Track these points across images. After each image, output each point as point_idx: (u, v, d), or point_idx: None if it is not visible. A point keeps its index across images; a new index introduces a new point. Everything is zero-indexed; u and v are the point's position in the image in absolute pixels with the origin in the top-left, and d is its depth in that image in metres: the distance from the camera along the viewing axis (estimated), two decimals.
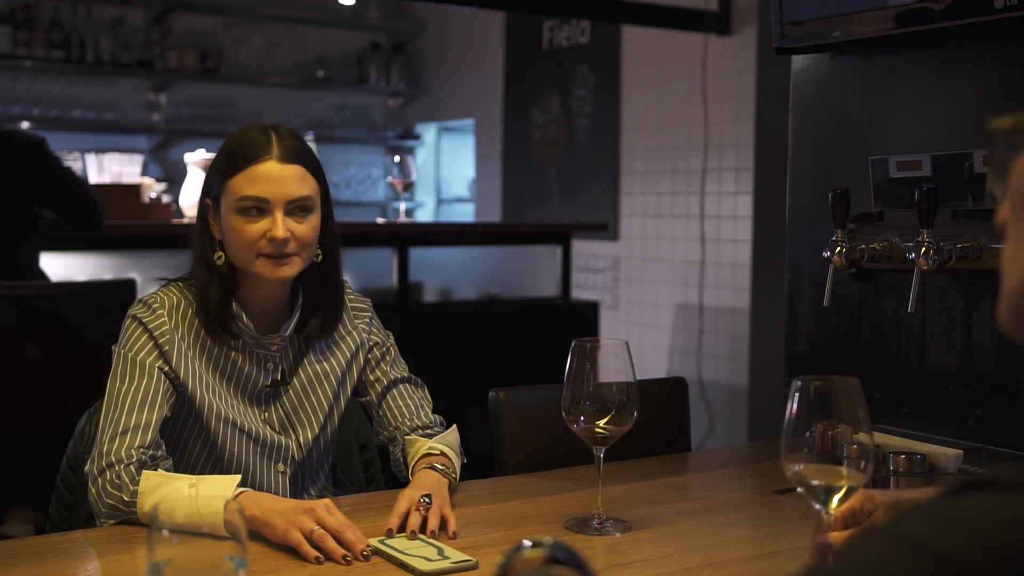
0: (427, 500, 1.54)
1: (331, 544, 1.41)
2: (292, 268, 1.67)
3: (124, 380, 1.63)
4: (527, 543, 0.81)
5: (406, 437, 1.80)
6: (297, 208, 1.65)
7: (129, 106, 6.24)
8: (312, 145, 1.78)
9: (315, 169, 1.70)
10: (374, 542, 1.45)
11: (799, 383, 1.15)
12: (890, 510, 1.21)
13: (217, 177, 1.68)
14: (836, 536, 1.17)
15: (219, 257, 1.69)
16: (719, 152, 4.66)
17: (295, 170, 1.65)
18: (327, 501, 1.48)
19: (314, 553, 1.40)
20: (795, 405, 1.14)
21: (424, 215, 7.07)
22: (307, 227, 1.66)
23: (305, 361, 1.78)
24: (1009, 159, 0.70)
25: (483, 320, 4.12)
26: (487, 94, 6.25)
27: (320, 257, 1.73)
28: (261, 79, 6.52)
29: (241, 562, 0.95)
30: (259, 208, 1.64)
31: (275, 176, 1.63)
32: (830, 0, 2.06)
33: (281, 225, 1.63)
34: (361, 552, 1.41)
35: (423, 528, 1.51)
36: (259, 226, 1.64)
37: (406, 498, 1.55)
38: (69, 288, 3.29)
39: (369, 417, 1.92)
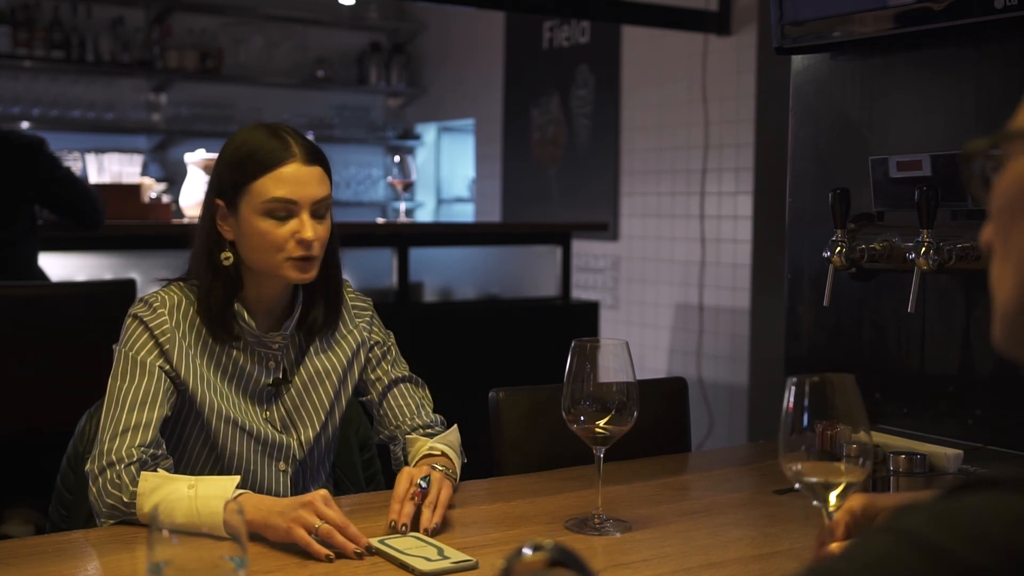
0: (424, 484, 1.54)
1: (340, 539, 1.41)
2: (315, 270, 1.69)
3: (125, 379, 1.63)
4: (527, 549, 0.81)
5: (407, 436, 1.81)
6: (319, 209, 1.67)
7: (129, 106, 6.24)
8: None
9: (329, 170, 1.72)
10: (374, 542, 1.45)
11: (795, 380, 1.15)
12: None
13: (236, 179, 1.67)
14: (839, 547, 1.16)
15: (227, 258, 1.69)
16: (719, 152, 4.66)
17: (317, 171, 1.68)
18: (324, 492, 1.47)
19: (324, 551, 1.40)
20: (791, 402, 1.15)
21: (424, 215, 7.07)
22: (326, 228, 1.69)
23: (306, 360, 1.78)
24: (989, 179, 0.69)
25: (483, 320, 4.12)
26: (487, 94, 6.25)
27: (325, 255, 1.74)
28: (261, 79, 6.52)
29: (241, 562, 0.95)
30: (287, 210, 1.64)
31: (302, 178, 1.65)
32: (830, 0, 2.06)
33: (309, 226, 1.64)
34: (365, 546, 1.42)
35: (416, 526, 1.52)
36: (287, 228, 1.64)
37: (406, 476, 1.57)
38: (69, 288, 3.29)
39: (370, 416, 1.92)
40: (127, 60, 6.08)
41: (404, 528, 1.50)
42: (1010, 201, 0.67)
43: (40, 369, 2.94)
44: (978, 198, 0.70)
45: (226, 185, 1.69)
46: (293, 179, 1.64)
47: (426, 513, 1.52)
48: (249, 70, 6.51)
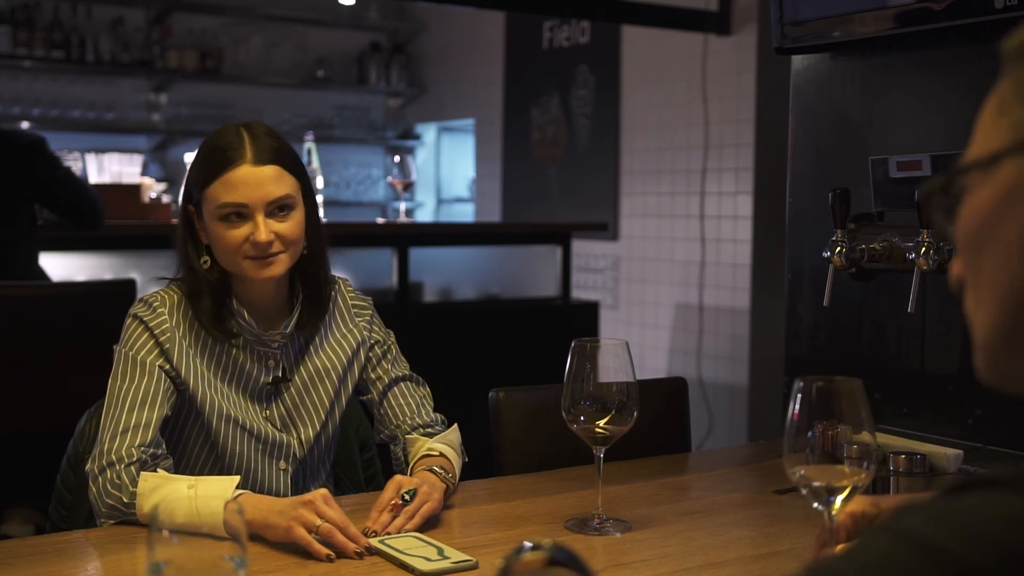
0: (408, 497, 1.54)
1: (340, 539, 1.41)
2: (279, 267, 1.67)
3: (124, 379, 1.63)
4: (527, 545, 0.81)
5: (407, 436, 1.81)
6: (277, 208, 1.65)
7: (129, 106, 6.23)
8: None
9: (292, 166, 1.69)
10: (374, 542, 1.45)
11: (801, 383, 1.14)
12: None
13: (197, 184, 1.68)
14: (841, 549, 1.16)
15: (205, 262, 1.69)
16: (719, 152, 4.66)
17: (271, 170, 1.65)
18: (324, 491, 1.47)
19: (325, 551, 1.40)
20: (797, 405, 1.14)
21: (424, 215, 7.07)
22: (290, 224, 1.66)
23: (306, 358, 1.78)
24: (952, 215, 0.69)
25: (483, 320, 4.12)
26: (487, 94, 6.25)
27: (307, 250, 1.73)
28: (261, 79, 6.51)
29: (241, 562, 0.95)
30: (239, 213, 1.64)
31: (251, 180, 1.63)
32: (830, 0, 2.06)
33: (263, 228, 1.63)
34: (365, 546, 1.42)
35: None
36: (242, 231, 1.64)
37: (394, 484, 1.56)
38: (69, 288, 3.29)
39: (370, 416, 1.92)
40: (127, 60, 6.08)
41: (373, 535, 1.49)
42: (974, 232, 0.68)
43: (40, 369, 2.94)
44: (944, 234, 0.70)
45: (192, 190, 1.69)
46: (242, 182, 1.63)
47: (399, 520, 1.51)
48: (249, 70, 6.51)
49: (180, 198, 1.75)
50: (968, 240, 0.68)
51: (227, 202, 1.63)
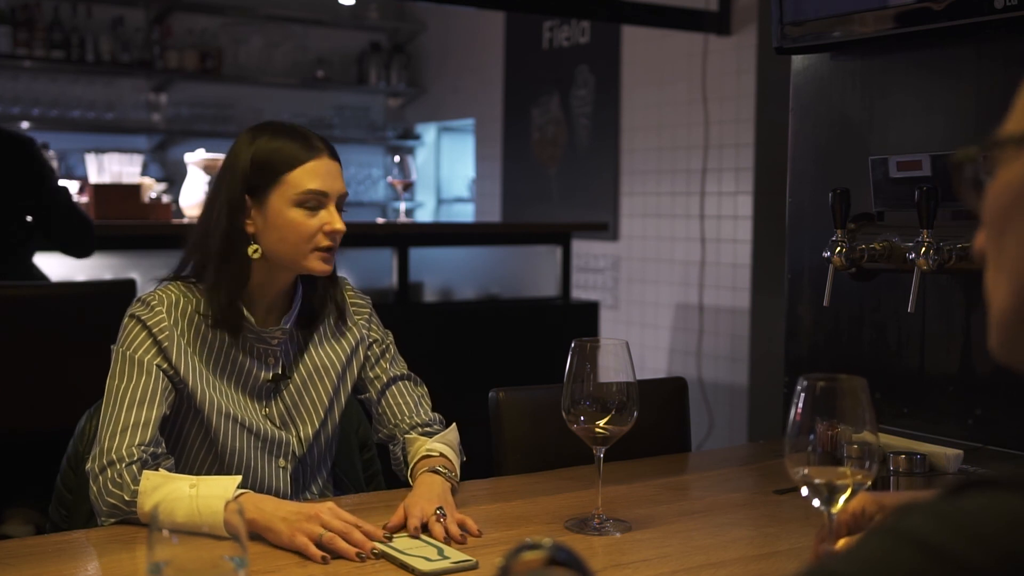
0: (441, 512, 1.54)
1: (342, 545, 1.41)
2: (333, 263, 1.74)
3: (123, 378, 1.63)
4: (528, 544, 0.81)
5: (406, 436, 1.81)
6: (342, 203, 1.73)
7: (129, 106, 6.24)
8: None
9: None
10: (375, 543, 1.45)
11: (805, 382, 1.14)
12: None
13: (267, 172, 1.67)
14: (841, 545, 1.16)
15: (255, 250, 1.69)
16: (719, 152, 4.66)
17: (339, 167, 1.74)
18: (330, 504, 1.48)
19: (320, 554, 1.40)
20: (800, 404, 1.14)
21: (424, 215, 7.07)
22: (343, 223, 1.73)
23: (305, 356, 1.79)
24: (981, 185, 0.69)
25: (483, 320, 4.12)
26: (487, 94, 6.25)
27: None
28: (261, 79, 6.52)
29: (241, 562, 0.95)
30: (318, 201, 1.69)
31: (333, 171, 1.71)
32: (830, 0, 2.06)
33: (339, 218, 1.70)
34: (372, 550, 1.42)
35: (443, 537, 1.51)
36: (317, 219, 1.69)
37: (419, 509, 1.54)
38: (69, 288, 3.29)
39: (368, 415, 1.92)
40: (127, 60, 6.08)
41: (415, 531, 1.50)
42: (1002, 209, 0.67)
43: (40, 369, 2.94)
44: (970, 205, 0.70)
45: (256, 178, 1.69)
46: (326, 172, 1.70)
47: (452, 528, 1.51)
48: (249, 70, 6.51)
49: (222, 193, 1.70)
50: (993, 216, 0.68)
51: (312, 188, 1.67)
